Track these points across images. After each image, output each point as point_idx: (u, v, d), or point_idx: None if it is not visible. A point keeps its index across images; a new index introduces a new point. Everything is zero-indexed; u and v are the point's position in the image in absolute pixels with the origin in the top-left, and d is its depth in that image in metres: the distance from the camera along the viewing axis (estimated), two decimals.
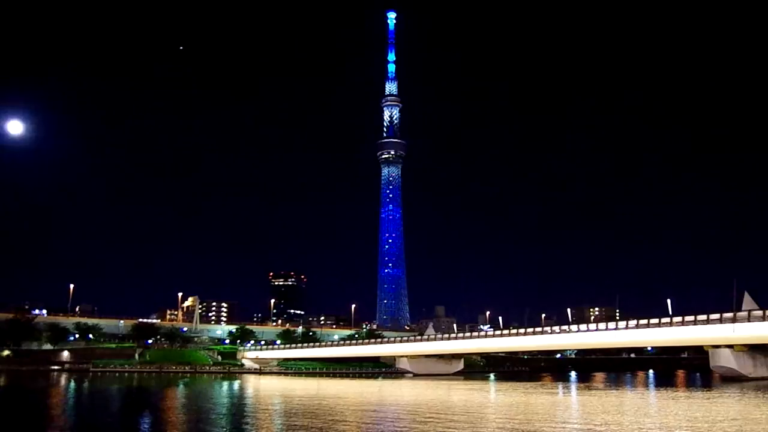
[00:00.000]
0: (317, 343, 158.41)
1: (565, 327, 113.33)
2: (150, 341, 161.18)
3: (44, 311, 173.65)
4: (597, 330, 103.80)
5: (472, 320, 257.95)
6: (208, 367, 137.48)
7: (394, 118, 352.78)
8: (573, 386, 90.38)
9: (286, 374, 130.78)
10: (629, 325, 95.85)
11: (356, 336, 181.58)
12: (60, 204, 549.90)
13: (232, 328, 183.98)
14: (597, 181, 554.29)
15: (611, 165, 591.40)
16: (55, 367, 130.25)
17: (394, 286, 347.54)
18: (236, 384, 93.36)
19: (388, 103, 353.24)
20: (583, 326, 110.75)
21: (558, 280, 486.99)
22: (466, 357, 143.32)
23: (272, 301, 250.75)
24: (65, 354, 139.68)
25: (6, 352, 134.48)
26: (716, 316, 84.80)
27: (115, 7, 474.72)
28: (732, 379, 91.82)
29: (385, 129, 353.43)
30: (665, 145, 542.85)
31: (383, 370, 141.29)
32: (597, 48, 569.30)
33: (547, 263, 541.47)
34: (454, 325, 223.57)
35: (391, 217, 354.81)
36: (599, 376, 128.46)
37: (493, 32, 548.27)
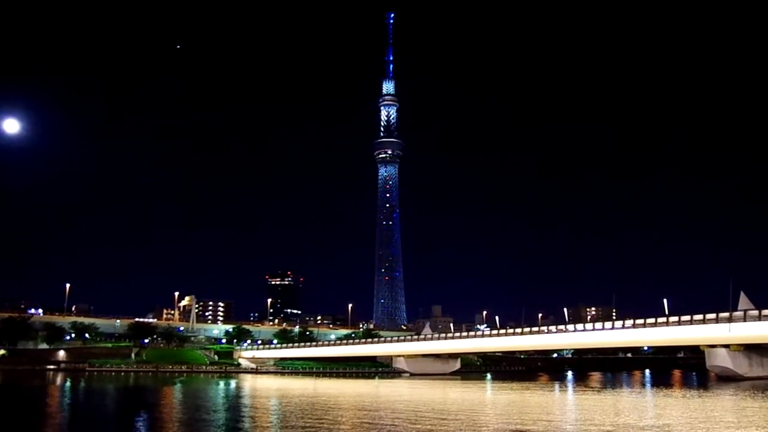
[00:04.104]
0: (314, 343, 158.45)
1: (561, 327, 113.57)
2: (146, 341, 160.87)
3: (40, 310, 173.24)
4: (593, 330, 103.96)
5: (469, 320, 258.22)
6: (204, 367, 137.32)
7: (391, 118, 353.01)
8: (569, 386, 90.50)
9: (282, 374, 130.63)
10: (626, 325, 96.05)
11: (353, 336, 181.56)
12: (56, 203, 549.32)
13: (229, 327, 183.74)
14: (595, 181, 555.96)
15: (609, 165, 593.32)
16: (51, 367, 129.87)
17: (391, 286, 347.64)
18: (233, 383, 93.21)
19: (386, 102, 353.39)
20: (579, 326, 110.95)
21: (555, 279, 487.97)
22: (463, 357, 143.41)
23: (269, 300, 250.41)
24: (61, 353, 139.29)
25: (2, 352, 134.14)
26: (712, 315, 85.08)
27: (115, 6, 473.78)
28: (728, 378, 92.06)
29: (382, 128, 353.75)
30: (663, 145, 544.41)
31: (380, 369, 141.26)
32: (597, 49, 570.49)
33: (544, 263, 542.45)
34: (451, 325, 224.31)
35: (388, 217, 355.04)
36: (596, 375, 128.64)
37: (491, 32, 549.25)
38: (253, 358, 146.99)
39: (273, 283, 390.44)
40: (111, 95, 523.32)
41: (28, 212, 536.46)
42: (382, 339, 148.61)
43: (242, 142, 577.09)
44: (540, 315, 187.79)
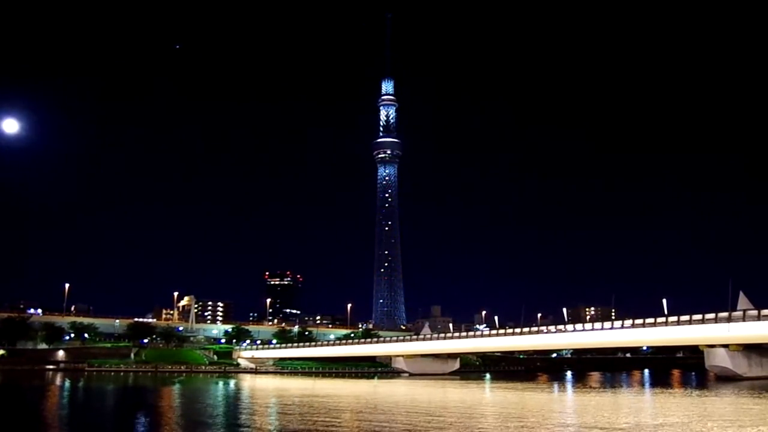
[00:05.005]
0: (313, 343, 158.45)
1: (560, 327, 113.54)
2: (146, 341, 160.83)
3: (39, 310, 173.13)
4: (593, 330, 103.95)
5: (468, 320, 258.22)
6: (203, 367, 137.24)
7: (390, 118, 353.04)
8: (569, 385, 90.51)
9: (282, 374, 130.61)
10: (625, 325, 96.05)
11: (352, 336, 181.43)
12: (56, 203, 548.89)
13: (228, 327, 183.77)
14: (594, 181, 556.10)
15: (608, 165, 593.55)
16: (50, 367, 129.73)
17: (391, 286, 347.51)
18: (232, 383, 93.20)
19: (385, 102, 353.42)
20: (578, 326, 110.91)
21: (554, 279, 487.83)
22: (462, 357, 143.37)
23: (268, 300, 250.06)
24: (60, 353, 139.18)
25: (1, 352, 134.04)
26: (711, 315, 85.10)
27: (114, 6, 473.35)
28: (727, 378, 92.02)
29: (381, 128, 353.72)
30: (662, 146, 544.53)
31: (379, 369, 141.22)
32: (597, 46, 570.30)
33: (543, 263, 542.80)
34: (450, 325, 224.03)
35: (387, 217, 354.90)
36: (595, 375, 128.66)
37: (490, 31, 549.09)
38: (252, 358, 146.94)
39: (272, 283, 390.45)
40: (110, 95, 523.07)
41: (28, 212, 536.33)
42: (382, 339, 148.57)
43: (242, 141, 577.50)
44: (539, 315, 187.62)
